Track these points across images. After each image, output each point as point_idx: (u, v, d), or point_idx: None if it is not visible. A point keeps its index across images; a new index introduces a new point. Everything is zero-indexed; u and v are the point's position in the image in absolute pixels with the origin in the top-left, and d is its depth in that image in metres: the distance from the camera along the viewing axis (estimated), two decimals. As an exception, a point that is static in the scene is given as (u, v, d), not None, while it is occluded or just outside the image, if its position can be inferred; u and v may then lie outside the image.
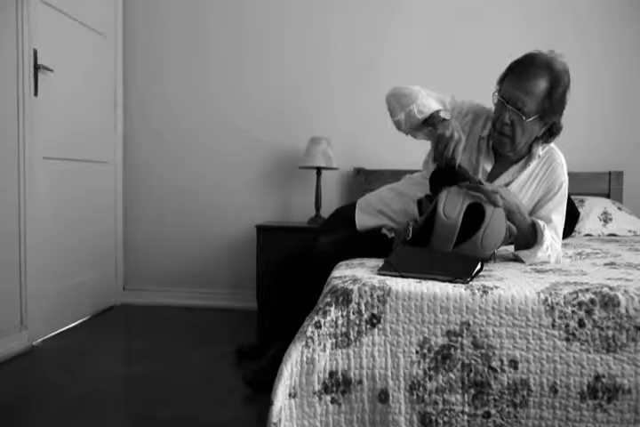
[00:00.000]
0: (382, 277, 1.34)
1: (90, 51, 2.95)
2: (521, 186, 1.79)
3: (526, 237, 1.69)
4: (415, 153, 2.33)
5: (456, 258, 1.46)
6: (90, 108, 2.96)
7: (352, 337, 1.25)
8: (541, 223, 1.70)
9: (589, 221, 2.73)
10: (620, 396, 1.18)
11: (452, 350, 1.23)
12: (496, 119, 1.70)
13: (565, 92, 1.65)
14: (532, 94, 1.61)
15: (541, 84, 1.61)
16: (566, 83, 1.65)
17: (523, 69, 1.64)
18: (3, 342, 2.25)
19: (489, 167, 1.80)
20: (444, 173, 1.62)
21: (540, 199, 1.80)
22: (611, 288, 1.25)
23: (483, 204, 1.55)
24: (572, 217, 2.67)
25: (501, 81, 1.72)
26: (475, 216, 1.54)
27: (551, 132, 1.74)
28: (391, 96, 1.80)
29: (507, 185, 1.78)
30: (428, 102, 1.70)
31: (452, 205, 1.54)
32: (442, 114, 1.65)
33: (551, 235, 1.70)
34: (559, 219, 1.78)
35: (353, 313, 1.26)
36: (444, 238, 1.53)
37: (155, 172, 3.32)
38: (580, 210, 2.74)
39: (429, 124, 1.67)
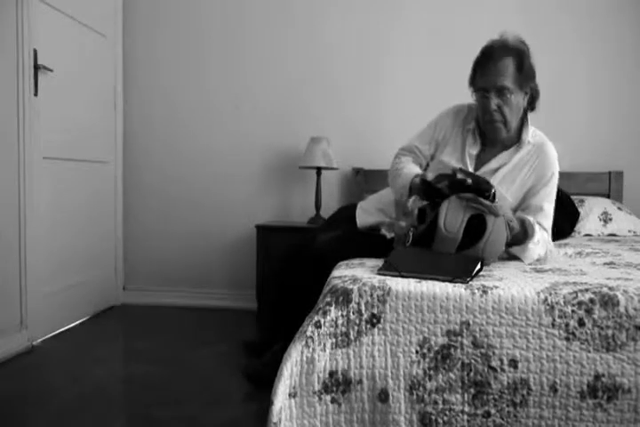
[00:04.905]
0: (382, 277, 1.34)
1: (90, 51, 2.94)
2: (510, 171, 1.82)
3: (518, 239, 1.71)
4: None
5: (456, 258, 1.46)
6: (90, 108, 2.96)
7: (352, 337, 1.25)
8: (531, 219, 1.73)
9: (589, 221, 2.73)
10: (620, 395, 1.19)
11: (452, 350, 1.23)
12: (484, 112, 1.77)
13: (530, 60, 1.77)
14: (505, 73, 1.72)
15: (509, 62, 1.72)
16: (527, 51, 1.77)
17: (486, 58, 1.76)
18: (3, 342, 2.25)
19: (474, 151, 1.85)
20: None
21: (531, 187, 1.82)
22: (610, 288, 1.25)
23: (484, 215, 1.55)
24: (572, 217, 2.67)
25: (472, 81, 1.81)
26: (476, 227, 1.53)
27: (532, 97, 1.81)
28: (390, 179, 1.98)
29: (496, 171, 1.82)
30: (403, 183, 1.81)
31: (453, 220, 1.53)
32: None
33: (539, 228, 1.72)
34: (551, 208, 1.82)
35: (353, 313, 1.26)
36: (445, 251, 1.53)
37: (155, 172, 3.32)
38: (579, 210, 2.73)
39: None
